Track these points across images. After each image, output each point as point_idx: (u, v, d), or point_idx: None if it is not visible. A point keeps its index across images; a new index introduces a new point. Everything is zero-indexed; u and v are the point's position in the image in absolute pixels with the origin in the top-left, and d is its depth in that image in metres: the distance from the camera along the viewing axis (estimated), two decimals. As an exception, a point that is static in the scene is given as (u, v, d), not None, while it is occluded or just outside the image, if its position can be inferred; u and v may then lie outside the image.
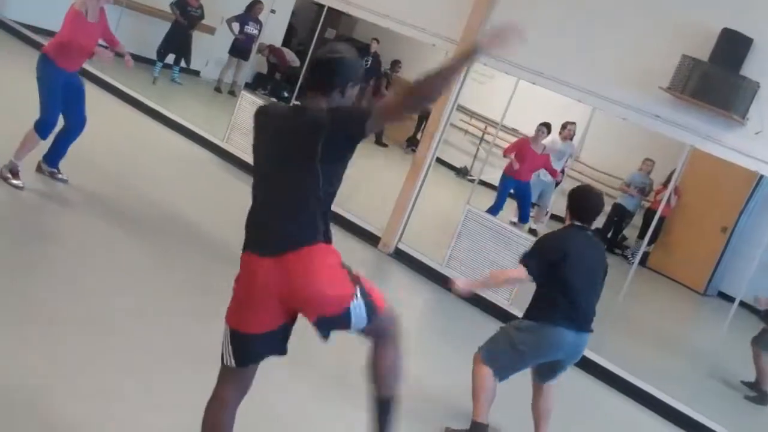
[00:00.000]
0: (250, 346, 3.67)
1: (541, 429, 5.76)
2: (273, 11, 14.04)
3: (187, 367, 5.09)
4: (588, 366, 8.06)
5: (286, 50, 17.44)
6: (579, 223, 5.49)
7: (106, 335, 5.22)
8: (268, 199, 3.66)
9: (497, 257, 8.65)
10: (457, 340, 7.75)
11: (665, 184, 12.89)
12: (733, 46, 7.53)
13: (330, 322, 3.66)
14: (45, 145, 7.60)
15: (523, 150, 11.80)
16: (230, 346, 3.64)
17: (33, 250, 6.28)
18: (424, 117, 16.24)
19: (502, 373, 5.50)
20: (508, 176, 11.90)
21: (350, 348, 4.68)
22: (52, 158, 7.73)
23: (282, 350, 3.77)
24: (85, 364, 4.79)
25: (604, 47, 8.41)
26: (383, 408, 3.81)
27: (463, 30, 9.23)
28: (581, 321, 5.42)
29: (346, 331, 3.68)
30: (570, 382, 7.83)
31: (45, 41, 13.57)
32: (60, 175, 7.74)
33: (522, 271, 5.39)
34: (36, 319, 5.12)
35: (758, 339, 8.68)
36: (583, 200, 5.55)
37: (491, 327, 8.35)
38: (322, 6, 11.53)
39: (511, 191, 12.13)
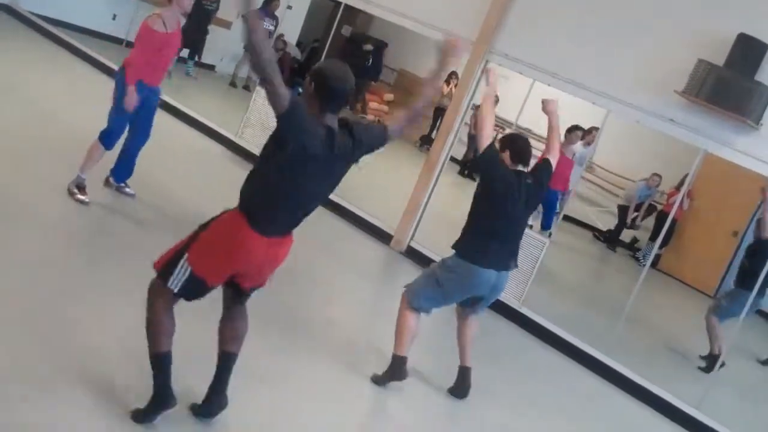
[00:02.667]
0: (204, 292, 4.19)
1: (465, 355, 6.18)
2: (289, 7, 14.08)
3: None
4: (598, 367, 8.11)
5: (288, 43, 17.53)
6: (521, 168, 5.91)
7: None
8: (304, 200, 4.17)
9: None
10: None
11: (678, 188, 12.88)
12: (748, 52, 7.54)
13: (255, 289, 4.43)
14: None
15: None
16: (182, 283, 4.09)
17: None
18: (439, 116, 16.29)
19: (425, 309, 5.97)
20: None
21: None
22: (120, 173, 7.66)
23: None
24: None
25: (620, 50, 8.41)
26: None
27: (479, 30, 9.24)
28: (501, 260, 5.81)
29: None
30: (579, 382, 7.89)
31: (60, 33, 13.76)
32: (127, 189, 7.70)
33: (485, 143, 5.88)
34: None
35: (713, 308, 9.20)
36: (522, 145, 5.99)
37: (501, 327, 8.45)
38: (338, 3, 11.55)
39: None
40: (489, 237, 5.77)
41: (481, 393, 6.50)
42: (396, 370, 5.88)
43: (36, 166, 7.70)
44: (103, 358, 4.81)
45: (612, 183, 15.46)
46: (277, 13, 15.31)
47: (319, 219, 8.63)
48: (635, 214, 14.54)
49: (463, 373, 6.16)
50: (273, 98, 3.80)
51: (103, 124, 7.32)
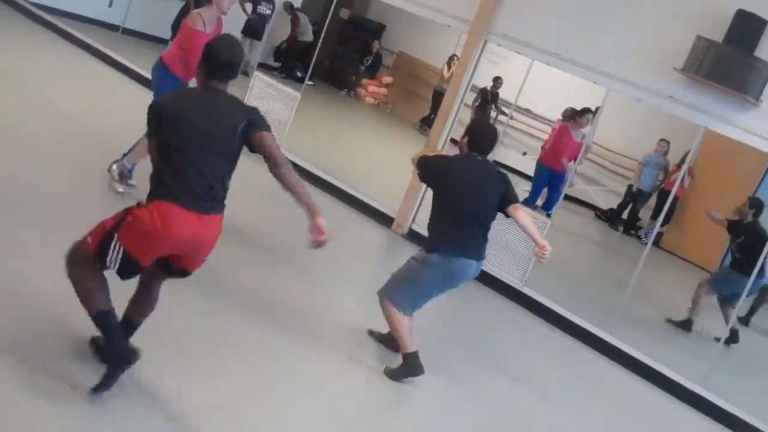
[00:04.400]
0: (137, 271, 4.30)
1: None
2: (287, -9, 14.05)
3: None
4: (601, 346, 8.13)
5: (302, 16, 17.36)
6: (475, 154, 5.80)
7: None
8: (203, 164, 4.20)
9: (512, 238, 8.66)
10: (469, 322, 7.80)
11: (679, 165, 12.88)
12: (747, 28, 7.51)
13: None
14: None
15: (562, 137, 11.50)
16: (119, 263, 4.18)
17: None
18: (438, 99, 16.29)
19: (408, 308, 5.85)
20: (545, 166, 11.61)
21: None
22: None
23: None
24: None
25: (619, 28, 8.38)
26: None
27: (477, 11, 9.20)
28: (468, 249, 5.74)
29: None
30: (582, 360, 7.90)
31: (58, 21, 13.72)
32: (130, 181, 7.56)
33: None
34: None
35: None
36: (480, 133, 5.90)
37: (504, 307, 8.47)
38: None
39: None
40: (459, 230, 5.72)
41: (485, 371, 6.53)
42: (411, 366, 5.83)
43: (40, 154, 7.69)
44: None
45: (612, 161, 15.47)
46: (274, -3, 15.27)
47: (319, 202, 8.60)
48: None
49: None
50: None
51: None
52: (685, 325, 9.63)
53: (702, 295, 9.58)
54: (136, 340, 4.47)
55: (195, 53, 7.21)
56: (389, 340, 6.16)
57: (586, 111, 11.55)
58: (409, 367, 5.83)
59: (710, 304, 9.58)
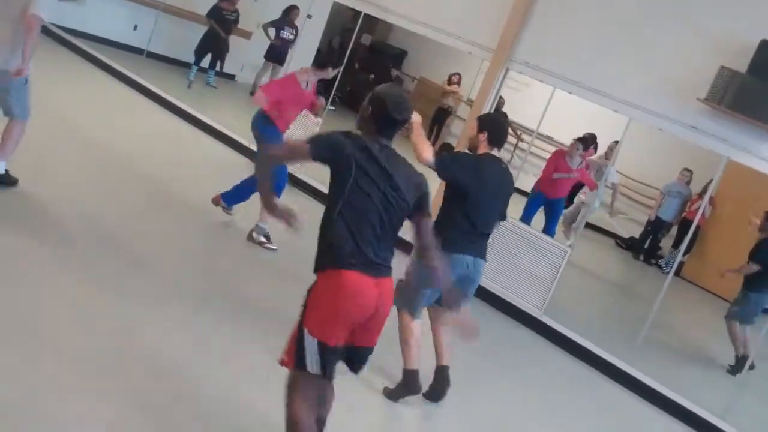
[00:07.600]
0: (334, 359, 3.91)
1: (442, 355, 5.98)
2: (309, 16, 14.09)
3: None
4: (620, 377, 8.05)
5: None
6: (495, 153, 5.81)
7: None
8: (381, 228, 3.91)
9: (531, 267, 8.63)
10: (488, 351, 7.75)
11: (701, 194, 12.81)
12: (771, 58, 7.48)
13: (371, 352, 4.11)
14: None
15: (558, 164, 11.29)
16: (318, 357, 3.85)
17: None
18: (440, 115, 17.47)
19: (416, 309, 5.79)
20: (537, 191, 11.34)
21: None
22: (231, 196, 8.08)
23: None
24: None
25: (642, 58, 8.36)
26: None
27: (499, 38, 9.23)
28: (474, 247, 5.76)
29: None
30: (601, 391, 7.83)
31: (82, 44, 13.84)
32: (269, 245, 7.87)
33: (430, 156, 5.72)
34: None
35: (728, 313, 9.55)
36: (499, 127, 5.93)
37: (522, 335, 8.42)
38: (358, 12, 11.56)
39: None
40: (459, 228, 5.70)
41: (501, 402, 6.47)
42: (410, 385, 5.76)
43: (68, 182, 7.74)
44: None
45: (633, 190, 15.39)
46: (297, 22, 15.33)
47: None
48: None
49: (441, 372, 5.95)
50: (293, 159, 4.22)
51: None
52: (741, 363, 9.06)
53: (735, 331, 9.38)
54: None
55: (290, 107, 7.66)
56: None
57: (576, 140, 11.41)
58: (408, 386, 5.76)
59: (745, 334, 9.36)
